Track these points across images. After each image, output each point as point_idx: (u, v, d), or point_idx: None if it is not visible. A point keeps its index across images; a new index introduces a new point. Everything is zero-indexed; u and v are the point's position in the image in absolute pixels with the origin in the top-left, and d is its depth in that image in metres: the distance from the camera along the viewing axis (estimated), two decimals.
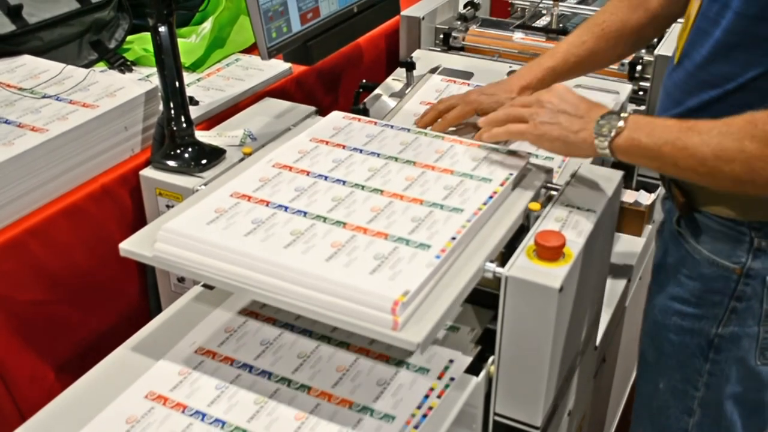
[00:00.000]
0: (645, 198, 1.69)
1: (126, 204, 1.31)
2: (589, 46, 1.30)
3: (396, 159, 1.16)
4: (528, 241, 1.04)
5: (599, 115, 1.05)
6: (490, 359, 1.05)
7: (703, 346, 1.16)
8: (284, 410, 0.93)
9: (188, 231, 0.98)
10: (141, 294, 1.37)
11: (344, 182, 1.10)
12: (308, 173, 1.12)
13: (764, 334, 1.11)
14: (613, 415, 1.84)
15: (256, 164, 1.15)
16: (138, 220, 1.30)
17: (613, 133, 1.03)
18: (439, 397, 0.97)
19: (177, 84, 1.24)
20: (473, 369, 1.04)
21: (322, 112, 1.41)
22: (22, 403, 1.18)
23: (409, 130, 1.26)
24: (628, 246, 1.66)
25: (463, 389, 1.01)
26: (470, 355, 1.05)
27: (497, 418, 1.09)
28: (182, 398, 0.94)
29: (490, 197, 1.07)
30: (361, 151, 1.19)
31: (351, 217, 1.02)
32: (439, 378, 0.99)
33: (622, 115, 1.04)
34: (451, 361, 1.01)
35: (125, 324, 1.19)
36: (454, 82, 1.62)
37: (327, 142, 1.21)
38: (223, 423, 0.90)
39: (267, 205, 1.04)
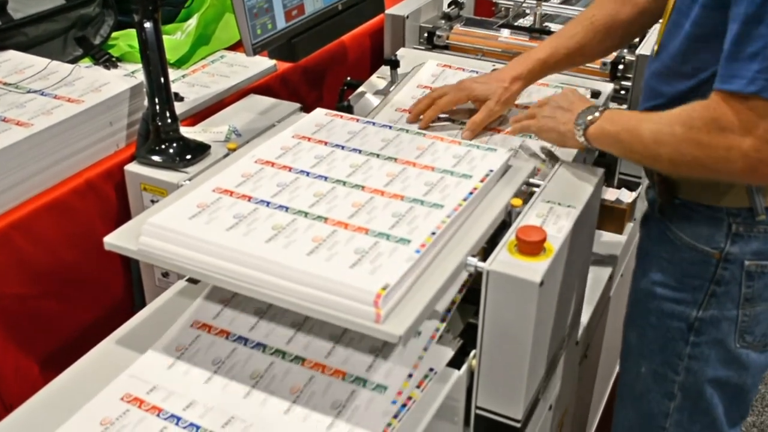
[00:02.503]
0: (626, 196, 1.71)
1: (111, 199, 1.31)
2: (578, 39, 1.37)
3: (377, 155, 1.18)
4: (509, 236, 1.05)
5: (583, 108, 1.19)
6: (472, 353, 1.07)
7: (683, 330, 1.20)
8: (255, 416, 0.92)
9: (172, 225, 0.99)
10: (125, 288, 1.37)
11: (326, 178, 1.11)
12: (290, 169, 1.13)
13: (743, 317, 1.16)
14: (595, 410, 1.86)
15: (239, 160, 1.16)
16: (122, 214, 1.30)
17: (586, 123, 1.16)
18: (418, 387, 0.98)
19: (162, 80, 1.24)
20: (455, 363, 1.05)
21: (307, 109, 1.42)
22: (7, 396, 1.18)
23: (390, 127, 1.27)
24: (610, 244, 1.67)
25: (445, 382, 1.02)
26: (452, 348, 1.06)
27: (479, 412, 1.10)
28: (158, 401, 0.93)
29: (470, 193, 1.08)
30: (343, 147, 1.20)
31: (332, 212, 1.03)
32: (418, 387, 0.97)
33: (600, 108, 1.17)
34: (410, 376, 0.99)
35: (109, 318, 1.19)
36: (450, 66, 1.64)
37: (309, 139, 1.22)
38: (198, 427, 0.90)
39: (249, 200, 1.05)
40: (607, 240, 1.68)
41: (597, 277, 1.57)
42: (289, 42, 1.34)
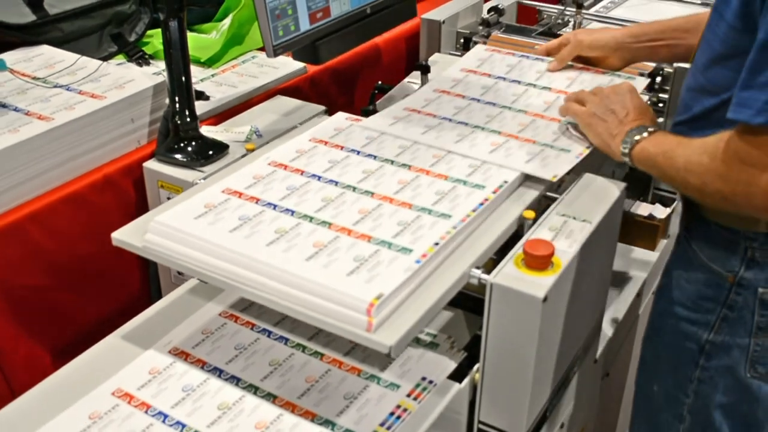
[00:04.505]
0: (660, 212, 1.66)
1: (130, 194, 1.32)
2: (697, 18, 1.34)
3: (392, 162, 1.16)
4: (517, 249, 1.03)
5: (636, 125, 1.15)
6: (476, 366, 1.04)
7: (694, 352, 1.16)
8: (246, 418, 0.91)
9: (177, 224, 1.00)
10: (142, 284, 1.38)
11: (337, 183, 1.10)
12: (302, 172, 1.13)
13: (755, 346, 1.11)
14: (623, 430, 1.81)
15: (253, 161, 1.16)
16: (141, 210, 1.31)
17: (633, 143, 1.13)
18: (415, 399, 0.97)
19: (183, 78, 1.25)
20: (461, 375, 1.03)
21: (334, 111, 1.41)
22: (17, 386, 1.20)
23: None
24: (640, 260, 1.63)
25: (444, 395, 1.00)
26: (455, 360, 1.04)
27: (481, 426, 1.08)
28: (148, 398, 0.93)
29: (481, 204, 1.06)
30: (358, 152, 1.19)
31: (338, 218, 1.02)
32: (409, 395, 0.97)
33: (650, 129, 1.13)
34: (423, 378, 0.99)
35: (126, 313, 1.19)
36: (499, 51, 1.63)
37: (326, 143, 1.21)
38: (184, 426, 0.90)
39: (257, 203, 1.05)
40: (637, 256, 1.64)
41: (623, 294, 1.53)
42: (312, 44, 1.33)
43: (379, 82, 1.66)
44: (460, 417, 1.07)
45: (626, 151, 1.14)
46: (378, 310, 0.86)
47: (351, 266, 0.92)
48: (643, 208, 1.67)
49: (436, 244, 0.97)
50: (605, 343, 1.40)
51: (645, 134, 1.13)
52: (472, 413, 1.08)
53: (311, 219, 1.01)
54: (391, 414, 0.94)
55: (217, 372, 0.99)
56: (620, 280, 1.58)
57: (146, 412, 0.92)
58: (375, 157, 1.17)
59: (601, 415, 1.56)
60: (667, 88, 1.66)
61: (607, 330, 1.42)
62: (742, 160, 0.94)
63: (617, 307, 1.50)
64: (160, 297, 1.36)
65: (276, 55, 1.25)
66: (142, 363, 1.00)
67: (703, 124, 1.08)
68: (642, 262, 1.63)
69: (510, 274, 0.99)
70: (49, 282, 1.24)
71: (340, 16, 1.38)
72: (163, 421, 0.90)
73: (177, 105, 1.26)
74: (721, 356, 1.13)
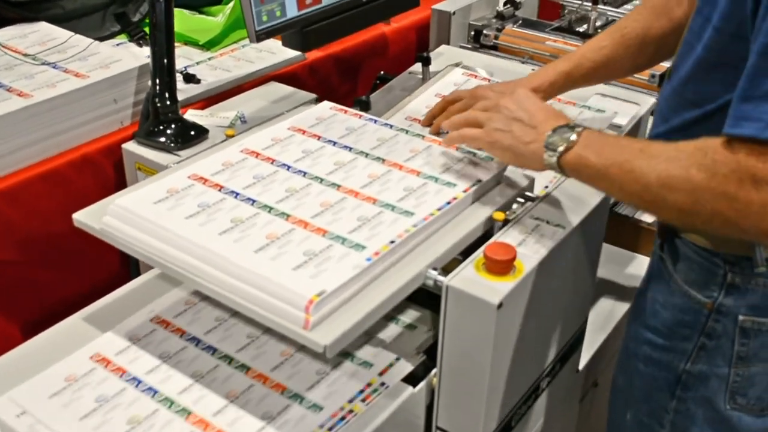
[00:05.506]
0: None
1: (110, 175, 1.32)
2: (606, 52, 1.25)
3: (367, 155, 1.13)
4: (479, 252, 0.99)
5: (552, 127, 0.99)
6: (433, 371, 1.02)
7: (670, 381, 1.09)
8: (218, 387, 0.93)
9: (134, 208, 0.98)
10: (122, 263, 1.38)
11: (305, 173, 1.08)
12: (273, 161, 1.11)
13: (735, 377, 1.03)
14: None
15: (225, 148, 1.14)
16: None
17: (562, 149, 0.96)
18: (363, 401, 0.94)
19: (166, 61, 1.24)
20: (421, 377, 1.00)
21: (337, 100, 1.38)
22: None
23: (391, 126, 1.22)
24: (641, 267, 1.58)
25: (395, 398, 0.97)
26: (411, 363, 1.01)
27: None
28: (125, 363, 0.96)
29: (448, 203, 1.02)
30: (334, 143, 1.16)
31: (297, 209, 1.00)
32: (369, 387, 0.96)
33: (576, 129, 0.97)
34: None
35: (106, 290, 1.20)
36: (475, 76, 1.56)
37: (304, 132, 1.19)
38: (155, 392, 0.92)
39: (220, 190, 1.03)
40: (639, 263, 1.59)
41: (617, 302, 1.48)
42: (300, 31, 1.30)
43: (381, 72, 1.63)
44: (417, 421, 1.04)
45: (553, 159, 0.97)
46: (317, 307, 0.83)
47: (299, 260, 0.90)
48: (647, 215, 1.62)
49: (392, 242, 0.94)
50: (593, 352, 1.35)
51: (573, 136, 0.96)
52: (430, 417, 1.05)
53: (270, 209, 1.00)
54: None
55: (195, 342, 1.01)
56: (619, 287, 1.54)
57: (121, 377, 0.95)
58: (350, 148, 1.15)
59: (591, 423, 1.52)
60: None
61: (598, 339, 1.38)
62: (758, 180, 0.81)
63: (607, 315, 1.45)
64: (138, 276, 1.36)
65: (259, 40, 1.23)
66: (123, 330, 1.02)
67: (681, 137, 0.97)
68: (642, 270, 1.57)
69: (467, 277, 0.95)
70: (24, 257, 1.25)
71: (332, 3, 1.35)
72: (136, 387, 0.93)
73: (158, 87, 1.25)
74: (698, 387, 1.06)
